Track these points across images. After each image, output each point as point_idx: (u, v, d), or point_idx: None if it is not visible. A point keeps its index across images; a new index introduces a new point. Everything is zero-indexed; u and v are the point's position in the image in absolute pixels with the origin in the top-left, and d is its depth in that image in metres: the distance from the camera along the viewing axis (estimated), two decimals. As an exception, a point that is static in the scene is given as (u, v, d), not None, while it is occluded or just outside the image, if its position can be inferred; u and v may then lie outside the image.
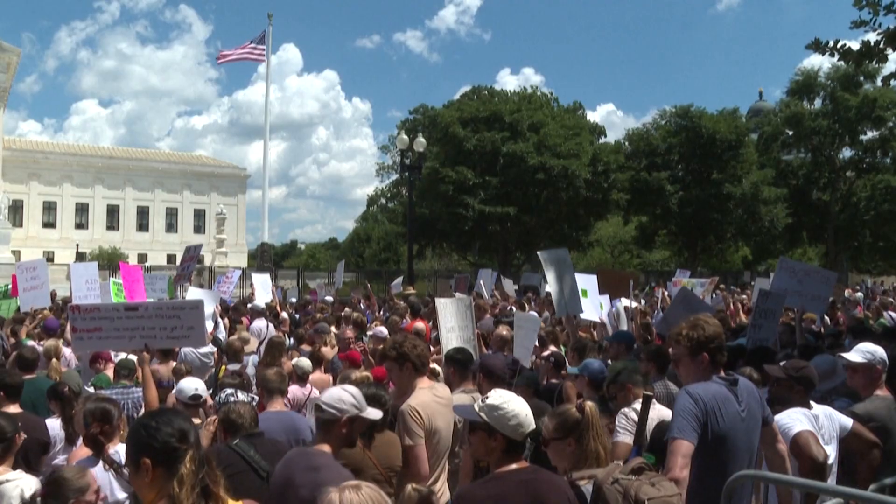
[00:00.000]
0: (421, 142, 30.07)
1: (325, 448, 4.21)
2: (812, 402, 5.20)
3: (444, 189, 48.78)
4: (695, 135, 53.82)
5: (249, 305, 15.90)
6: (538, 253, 11.74)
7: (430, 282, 38.86)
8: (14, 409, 6.28)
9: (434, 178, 48.77)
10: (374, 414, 4.48)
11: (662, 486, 3.58)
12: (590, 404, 4.22)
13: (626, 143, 59.11)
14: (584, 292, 11.70)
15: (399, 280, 24.70)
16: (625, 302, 14.04)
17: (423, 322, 13.03)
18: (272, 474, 4.36)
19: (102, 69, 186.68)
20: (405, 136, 31.10)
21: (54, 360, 9.46)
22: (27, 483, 4.58)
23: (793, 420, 4.88)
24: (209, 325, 11.45)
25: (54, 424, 6.27)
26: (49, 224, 71.65)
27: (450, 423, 5.58)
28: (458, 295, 14.03)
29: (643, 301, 15.47)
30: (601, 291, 13.74)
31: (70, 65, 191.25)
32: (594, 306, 12.41)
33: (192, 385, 6.36)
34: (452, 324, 8.93)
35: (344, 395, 4.35)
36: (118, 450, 4.90)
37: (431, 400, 5.42)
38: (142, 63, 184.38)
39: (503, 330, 9.95)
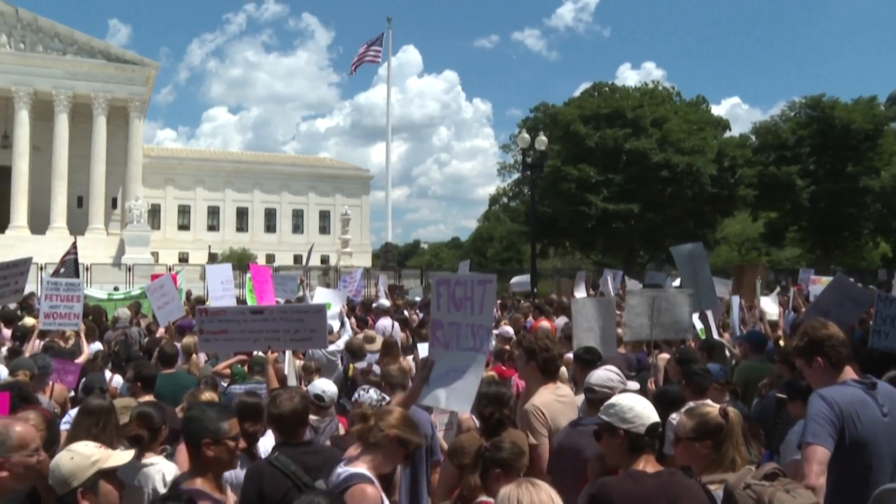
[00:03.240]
0: (542, 140, 29.91)
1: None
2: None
3: (567, 187, 48.43)
4: (827, 126, 51.51)
5: (375, 305, 16.16)
6: (671, 249, 11.52)
7: (553, 281, 38.56)
8: (148, 399, 6.60)
9: (556, 176, 48.48)
10: (633, 385, 4.92)
11: (798, 493, 3.41)
12: (733, 410, 4.08)
13: (753, 137, 57.20)
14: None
15: (520, 278, 24.63)
16: (765, 301, 13.59)
17: (549, 321, 13.00)
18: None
19: (230, 77, 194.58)
20: (526, 135, 30.99)
21: (194, 356, 9.92)
22: (168, 468, 4.86)
23: None
24: (336, 325, 11.75)
25: None
26: (183, 226, 74.66)
27: (576, 423, 5.57)
28: (602, 293, 13.99)
29: (774, 300, 14.89)
30: (732, 291, 13.35)
31: (201, 75, 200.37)
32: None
33: (320, 386, 6.46)
34: (591, 324, 8.80)
35: (612, 375, 4.83)
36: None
37: (554, 399, 5.42)
38: (267, 70, 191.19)
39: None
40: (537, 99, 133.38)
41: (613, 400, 3.95)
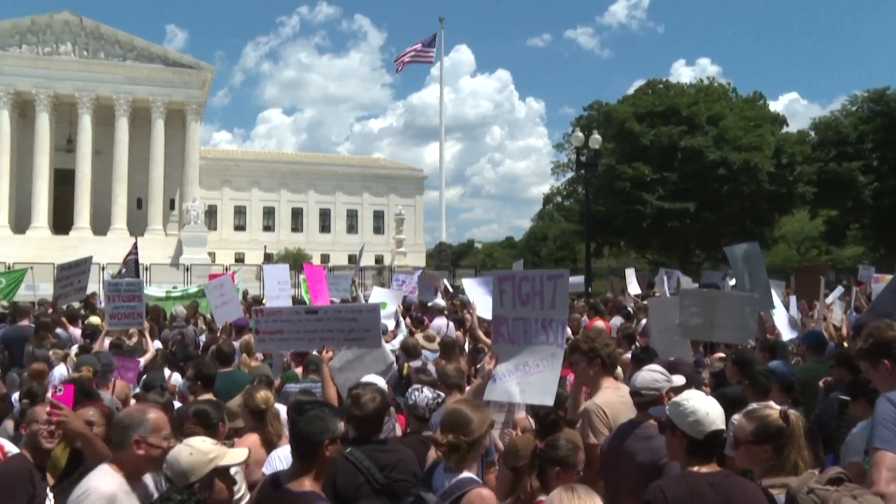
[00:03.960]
0: (596, 139, 29.66)
1: (652, 422, 4.38)
2: None
3: (621, 186, 48.10)
4: (891, 120, 50.22)
5: (430, 304, 16.17)
6: (725, 249, 11.34)
7: (608, 280, 38.23)
8: (208, 397, 6.71)
9: (610, 174, 48.15)
10: (679, 380, 4.92)
11: (866, 500, 3.28)
12: (794, 413, 3.98)
13: (812, 133, 56.06)
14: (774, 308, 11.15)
15: (574, 278, 24.45)
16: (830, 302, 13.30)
17: (604, 321, 12.90)
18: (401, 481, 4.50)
19: (284, 79, 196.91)
20: (580, 134, 30.77)
21: (245, 354, 10.03)
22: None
23: None
24: (391, 324, 11.80)
25: None
26: (239, 227, 75.66)
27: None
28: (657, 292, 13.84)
29: (836, 300, 14.56)
30: (793, 291, 13.06)
31: (255, 77, 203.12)
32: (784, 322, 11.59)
33: (370, 380, 6.46)
34: (667, 324, 8.69)
35: (656, 376, 4.81)
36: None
37: (617, 400, 5.36)
38: (320, 72, 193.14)
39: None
40: (591, 97, 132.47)
41: (682, 399, 3.90)
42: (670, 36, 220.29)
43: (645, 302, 15.17)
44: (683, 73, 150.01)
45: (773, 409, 4.11)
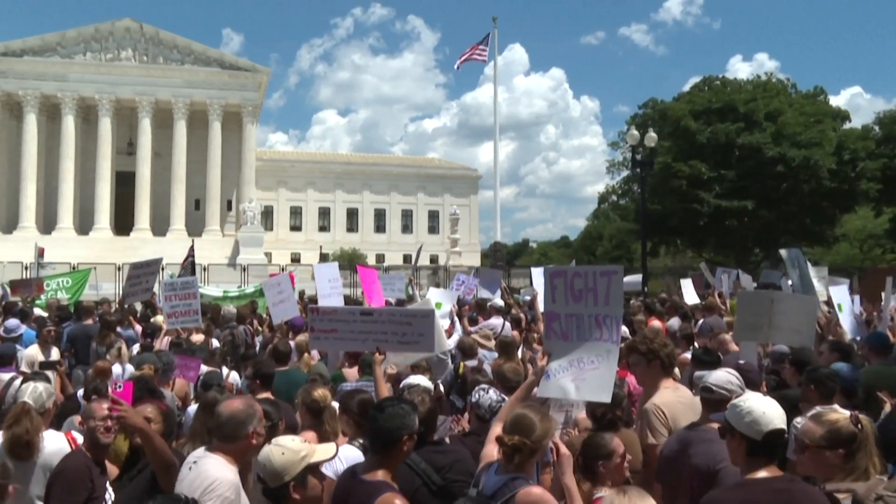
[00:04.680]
0: (652, 136, 29.38)
1: (714, 425, 4.34)
2: None
3: (677, 184, 47.56)
4: (961, 113, 48.69)
5: (489, 304, 16.12)
6: (780, 251, 11.16)
7: (664, 280, 37.81)
8: (266, 396, 6.78)
9: (666, 173, 47.66)
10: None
11: None
12: (865, 418, 3.88)
13: (877, 128, 54.61)
14: (840, 307, 10.85)
15: (630, 277, 24.21)
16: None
17: (660, 321, 12.75)
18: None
19: (338, 81, 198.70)
20: (635, 132, 30.49)
21: (306, 354, 10.12)
22: None
23: None
24: (445, 324, 11.78)
25: None
26: (295, 227, 76.50)
27: (693, 426, 5.42)
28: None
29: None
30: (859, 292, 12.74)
31: (310, 79, 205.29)
32: (848, 323, 11.26)
33: (415, 381, 6.45)
34: (758, 319, 8.50)
35: (732, 378, 4.81)
36: None
37: (676, 400, 5.30)
38: (374, 73, 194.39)
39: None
40: (646, 95, 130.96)
41: (738, 400, 3.84)
42: (727, 31, 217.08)
43: (705, 301, 14.92)
44: (740, 69, 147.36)
45: (841, 413, 4.00)
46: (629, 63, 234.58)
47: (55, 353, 10.87)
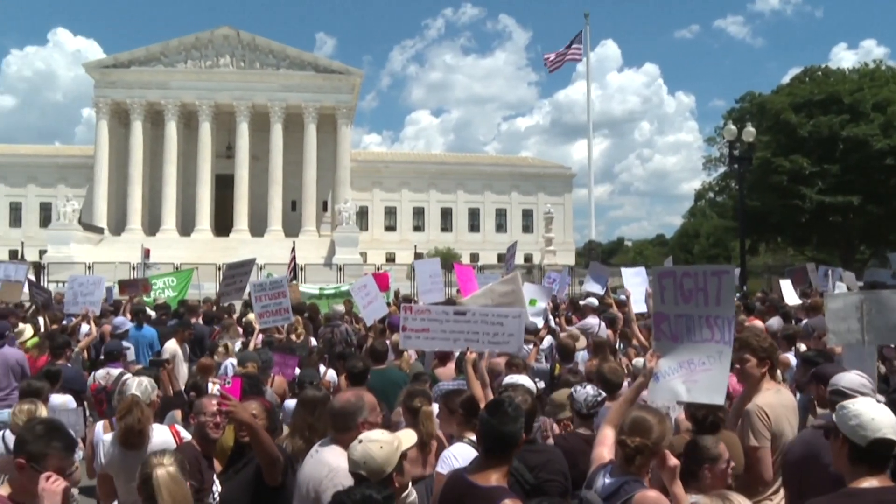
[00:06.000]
0: (750, 131, 28.67)
1: None
2: None
3: (777, 180, 46.30)
4: None
5: (581, 303, 15.98)
6: (888, 256, 10.73)
7: (764, 278, 36.80)
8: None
9: (765, 168, 46.46)
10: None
11: None
12: None
13: None
14: None
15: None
16: None
17: (761, 320, 12.45)
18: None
19: (430, 81, 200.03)
20: (733, 127, 29.78)
21: (405, 352, 10.21)
22: None
23: None
24: (539, 322, 11.74)
25: None
26: (390, 227, 77.24)
27: (795, 429, 5.27)
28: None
29: None
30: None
31: (402, 80, 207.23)
32: None
33: (517, 380, 6.46)
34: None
35: (865, 381, 4.77)
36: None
37: (778, 402, 5.15)
38: (466, 72, 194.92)
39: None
40: (743, 89, 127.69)
41: (848, 402, 3.69)
42: (830, 18, 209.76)
43: (809, 301, 14.46)
44: (845, 58, 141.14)
45: None
46: (725, 56, 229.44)
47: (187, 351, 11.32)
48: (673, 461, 4.02)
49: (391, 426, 6.18)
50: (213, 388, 7.10)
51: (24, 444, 3.57)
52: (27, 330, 12.67)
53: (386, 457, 3.66)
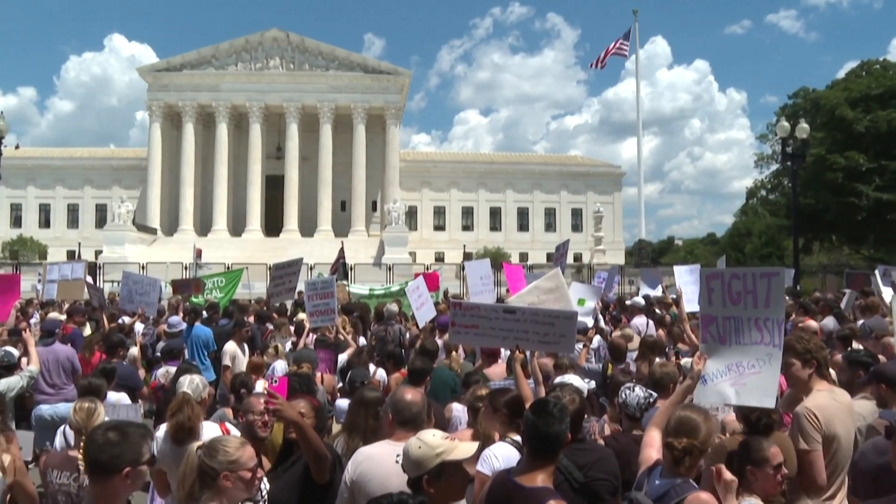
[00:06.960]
0: (804, 128, 28.18)
1: None
2: None
3: (832, 177, 45.45)
4: None
5: (628, 302, 15.87)
6: None
7: (819, 278, 36.14)
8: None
9: (820, 165, 45.64)
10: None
11: None
12: None
13: None
14: None
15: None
16: None
17: (815, 321, 12.23)
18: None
19: (479, 81, 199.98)
20: (786, 123, 29.27)
21: (454, 352, 10.22)
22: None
23: None
24: (589, 321, 11.66)
25: None
26: (439, 227, 77.45)
27: (850, 431, 5.15)
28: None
29: None
30: None
31: (450, 80, 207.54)
32: None
33: (567, 379, 6.47)
34: None
35: None
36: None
37: (830, 403, 5.04)
38: (514, 72, 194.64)
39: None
40: (796, 84, 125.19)
41: None
42: (890, 9, 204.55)
43: (866, 301, 14.12)
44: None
45: None
46: (777, 51, 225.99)
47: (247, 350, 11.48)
48: (728, 476, 3.94)
49: (445, 424, 6.21)
50: (262, 386, 7.18)
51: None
52: (86, 328, 13.01)
53: (420, 457, 3.63)
